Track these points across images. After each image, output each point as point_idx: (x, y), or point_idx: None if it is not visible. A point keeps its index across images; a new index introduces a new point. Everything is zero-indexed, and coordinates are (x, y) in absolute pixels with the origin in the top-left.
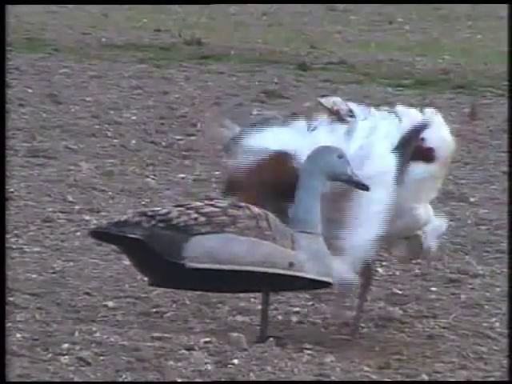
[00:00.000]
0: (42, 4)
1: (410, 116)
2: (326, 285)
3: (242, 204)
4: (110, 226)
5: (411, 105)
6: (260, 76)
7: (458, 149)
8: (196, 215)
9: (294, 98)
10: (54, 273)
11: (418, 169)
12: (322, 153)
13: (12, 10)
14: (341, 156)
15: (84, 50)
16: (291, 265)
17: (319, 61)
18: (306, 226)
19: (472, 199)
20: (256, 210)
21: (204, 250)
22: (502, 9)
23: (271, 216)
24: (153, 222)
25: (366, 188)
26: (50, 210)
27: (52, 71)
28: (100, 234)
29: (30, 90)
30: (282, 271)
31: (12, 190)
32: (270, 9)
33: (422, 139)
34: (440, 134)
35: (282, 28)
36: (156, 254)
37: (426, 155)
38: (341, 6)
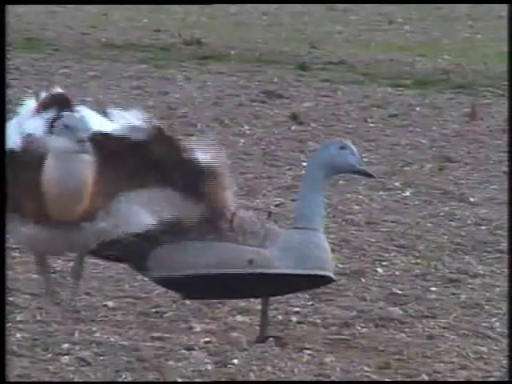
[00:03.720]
0: (41, 4)
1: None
2: (320, 279)
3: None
4: (100, 245)
5: (411, 105)
6: (260, 76)
7: (457, 149)
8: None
9: (293, 98)
10: (53, 273)
11: None
12: (322, 148)
13: (12, 10)
14: (343, 147)
15: (84, 50)
16: (250, 262)
17: (319, 61)
18: (303, 222)
19: (472, 199)
20: (226, 212)
21: (160, 259)
22: (502, 9)
23: (241, 216)
24: (129, 237)
25: (372, 176)
26: None
27: (52, 71)
28: (94, 254)
29: (30, 90)
30: (239, 270)
31: None
32: (269, 9)
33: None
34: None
35: (282, 28)
36: (129, 267)
37: None
38: (341, 6)
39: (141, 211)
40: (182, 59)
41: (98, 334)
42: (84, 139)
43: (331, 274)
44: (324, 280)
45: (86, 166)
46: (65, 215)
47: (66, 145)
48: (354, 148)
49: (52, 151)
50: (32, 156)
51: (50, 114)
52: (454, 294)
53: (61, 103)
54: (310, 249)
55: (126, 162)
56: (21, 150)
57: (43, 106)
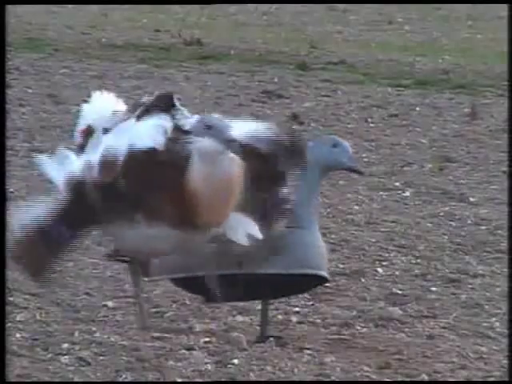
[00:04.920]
0: (42, 4)
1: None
2: (311, 278)
3: None
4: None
5: (411, 105)
6: (260, 76)
7: (457, 149)
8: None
9: (293, 98)
10: (53, 273)
11: None
12: (315, 145)
13: (12, 10)
14: (336, 145)
15: (84, 50)
16: (239, 263)
17: (319, 61)
18: (295, 221)
19: (472, 199)
20: None
21: (158, 262)
22: (502, 9)
23: None
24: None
25: (361, 173)
26: None
27: (52, 71)
28: (109, 258)
29: (29, 90)
30: (227, 272)
31: (12, 190)
32: (270, 9)
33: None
34: None
35: (282, 28)
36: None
37: None
38: (341, 6)
39: (250, 225)
40: (181, 59)
41: (98, 334)
42: (232, 138)
43: (322, 273)
44: (316, 279)
45: (237, 166)
46: (212, 218)
47: (214, 145)
48: (345, 144)
49: (199, 152)
50: (172, 157)
51: (168, 115)
52: (454, 293)
53: (166, 104)
54: (298, 248)
55: (253, 170)
56: (157, 152)
57: (150, 107)
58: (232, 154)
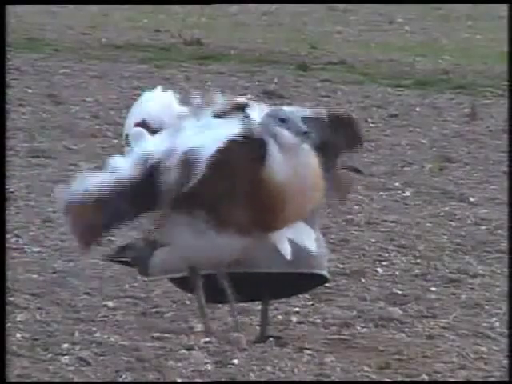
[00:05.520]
0: (42, 4)
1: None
2: (313, 277)
3: None
4: (115, 250)
5: (411, 105)
6: (260, 76)
7: (457, 149)
8: None
9: (293, 98)
10: (54, 273)
11: None
12: None
13: (12, 10)
14: None
15: (84, 50)
16: (238, 261)
17: (319, 61)
18: None
19: (472, 199)
20: None
21: (159, 262)
22: (502, 9)
23: None
24: (142, 242)
25: (363, 173)
26: (50, 210)
27: (52, 71)
28: (109, 259)
29: (29, 90)
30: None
31: (12, 189)
32: (270, 9)
33: None
34: None
35: (282, 28)
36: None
37: None
38: (341, 6)
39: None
40: (182, 59)
41: (98, 334)
42: (307, 130)
43: (324, 273)
44: (317, 279)
45: (315, 158)
46: (292, 213)
47: (292, 137)
48: None
49: (279, 144)
50: (251, 153)
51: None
52: (454, 294)
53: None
54: (300, 247)
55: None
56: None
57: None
58: (309, 147)
